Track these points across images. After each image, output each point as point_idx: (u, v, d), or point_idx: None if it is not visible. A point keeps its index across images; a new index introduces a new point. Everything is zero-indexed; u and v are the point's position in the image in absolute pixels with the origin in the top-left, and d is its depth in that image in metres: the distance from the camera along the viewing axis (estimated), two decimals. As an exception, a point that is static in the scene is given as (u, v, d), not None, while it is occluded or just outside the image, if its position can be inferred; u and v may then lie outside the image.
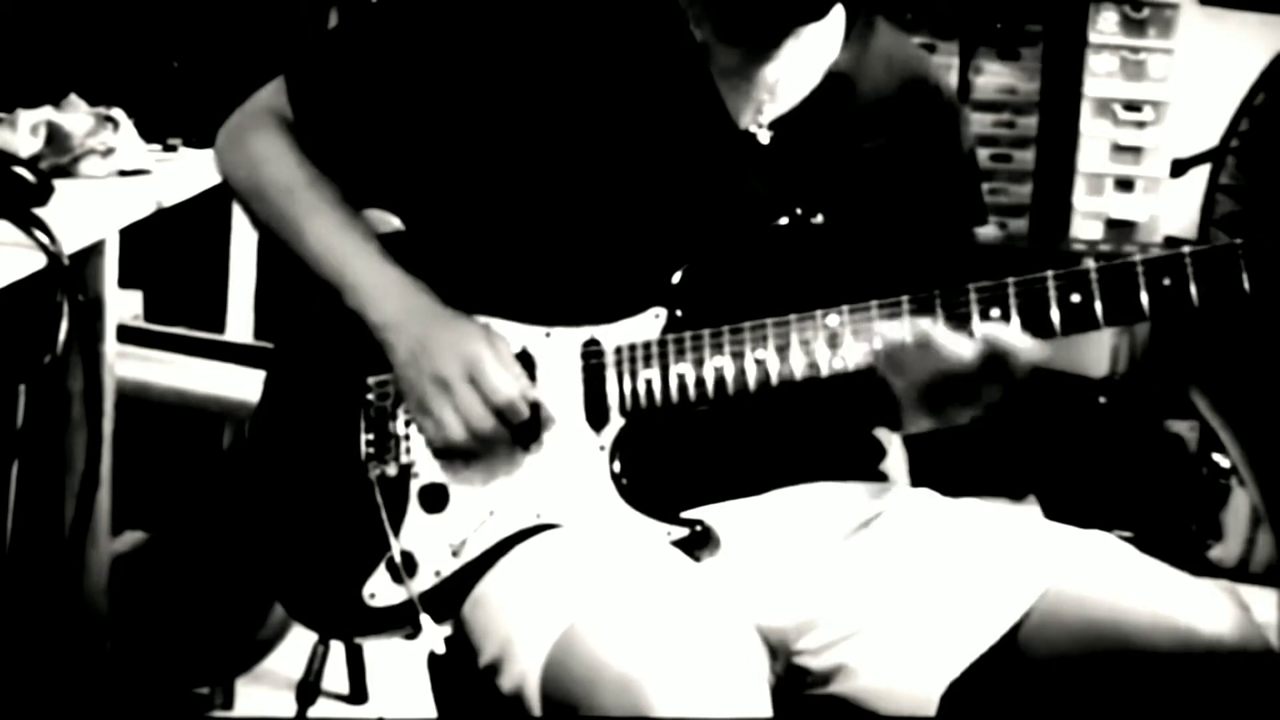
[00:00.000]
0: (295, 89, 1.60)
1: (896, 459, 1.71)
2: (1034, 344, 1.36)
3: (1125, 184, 3.99)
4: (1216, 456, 3.68)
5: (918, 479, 1.75)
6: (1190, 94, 3.95)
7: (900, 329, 1.37)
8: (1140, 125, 3.98)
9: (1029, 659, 1.39)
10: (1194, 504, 3.71)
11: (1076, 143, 3.99)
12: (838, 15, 1.58)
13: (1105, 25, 3.96)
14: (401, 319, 1.50)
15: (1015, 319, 1.37)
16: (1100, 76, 3.98)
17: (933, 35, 3.96)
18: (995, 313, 1.38)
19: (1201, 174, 3.82)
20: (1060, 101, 4.04)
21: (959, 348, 1.36)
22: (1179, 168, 3.88)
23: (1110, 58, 3.97)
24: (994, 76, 4.03)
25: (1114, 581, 1.40)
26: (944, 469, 1.91)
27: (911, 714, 1.41)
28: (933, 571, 1.46)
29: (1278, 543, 3.05)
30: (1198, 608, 1.36)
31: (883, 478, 1.64)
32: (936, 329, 1.36)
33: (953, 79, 3.82)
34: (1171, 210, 3.97)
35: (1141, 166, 3.98)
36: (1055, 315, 1.37)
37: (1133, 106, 3.97)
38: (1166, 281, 1.34)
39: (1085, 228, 4.00)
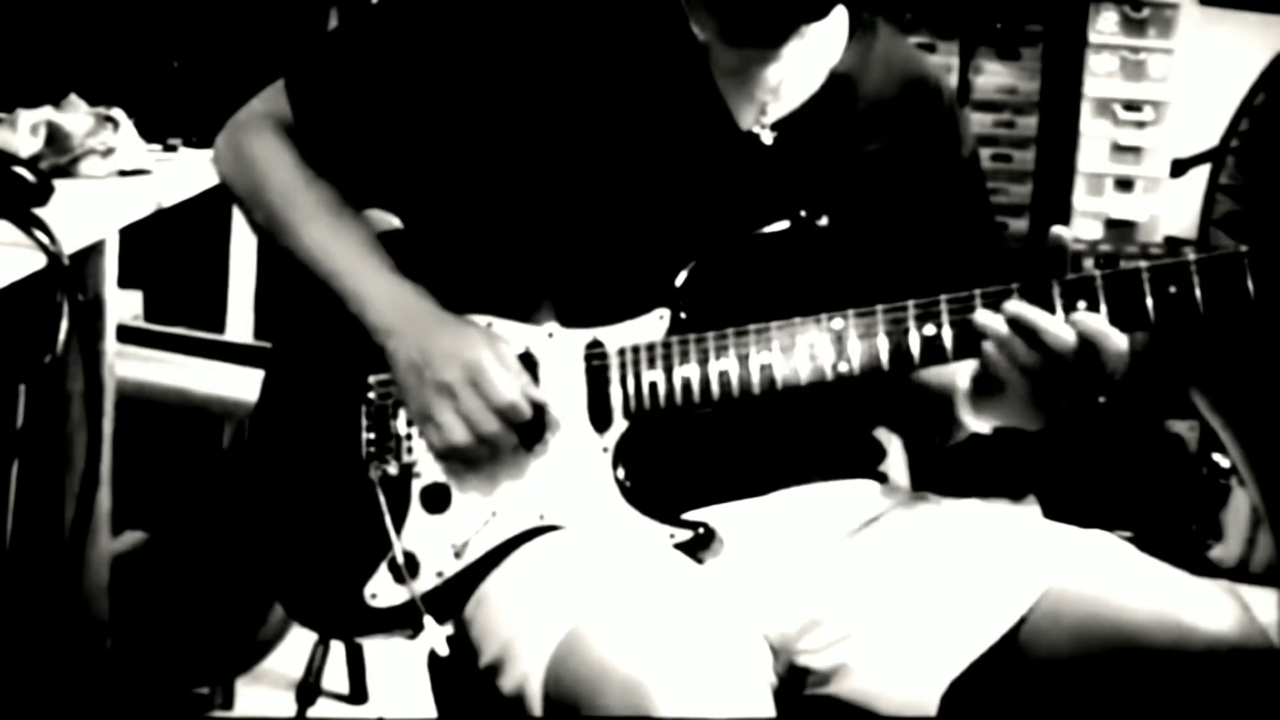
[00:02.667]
0: (295, 91, 1.60)
1: (896, 459, 1.71)
2: (1115, 330, 1.34)
3: (1125, 184, 3.99)
4: (1216, 456, 3.69)
5: (918, 479, 1.75)
6: (1190, 94, 3.95)
7: (996, 317, 1.35)
8: (1140, 125, 3.98)
9: (1029, 659, 1.39)
10: (1194, 504, 3.71)
11: (1076, 143, 4.00)
12: (840, 16, 1.58)
13: (1105, 25, 3.97)
14: (401, 326, 1.50)
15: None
16: (1100, 76, 3.99)
17: (933, 35, 3.96)
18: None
19: (1201, 174, 3.82)
20: (1060, 101, 4.05)
21: (1063, 332, 1.33)
22: (1179, 168, 3.88)
23: (1110, 58, 3.98)
24: (994, 76, 4.04)
25: (1114, 581, 1.39)
26: (944, 469, 1.91)
27: (912, 714, 1.41)
28: (933, 571, 1.46)
29: (1278, 543, 3.05)
30: (1198, 606, 1.36)
31: (883, 478, 1.64)
32: (1039, 314, 1.34)
33: (953, 79, 3.82)
34: (1171, 210, 3.98)
35: (1141, 166, 3.99)
36: (1060, 318, 1.36)
37: (1133, 106, 3.98)
38: (1172, 289, 1.34)
39: (1085, 228, 4.00)
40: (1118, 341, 1.33)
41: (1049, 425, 1.41)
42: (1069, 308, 1.35)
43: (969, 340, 1.39)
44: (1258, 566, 3.65)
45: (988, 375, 1.39)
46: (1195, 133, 3.86)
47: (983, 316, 1.36)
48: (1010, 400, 1.39)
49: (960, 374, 1.46)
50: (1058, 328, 1.33)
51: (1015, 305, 1.35)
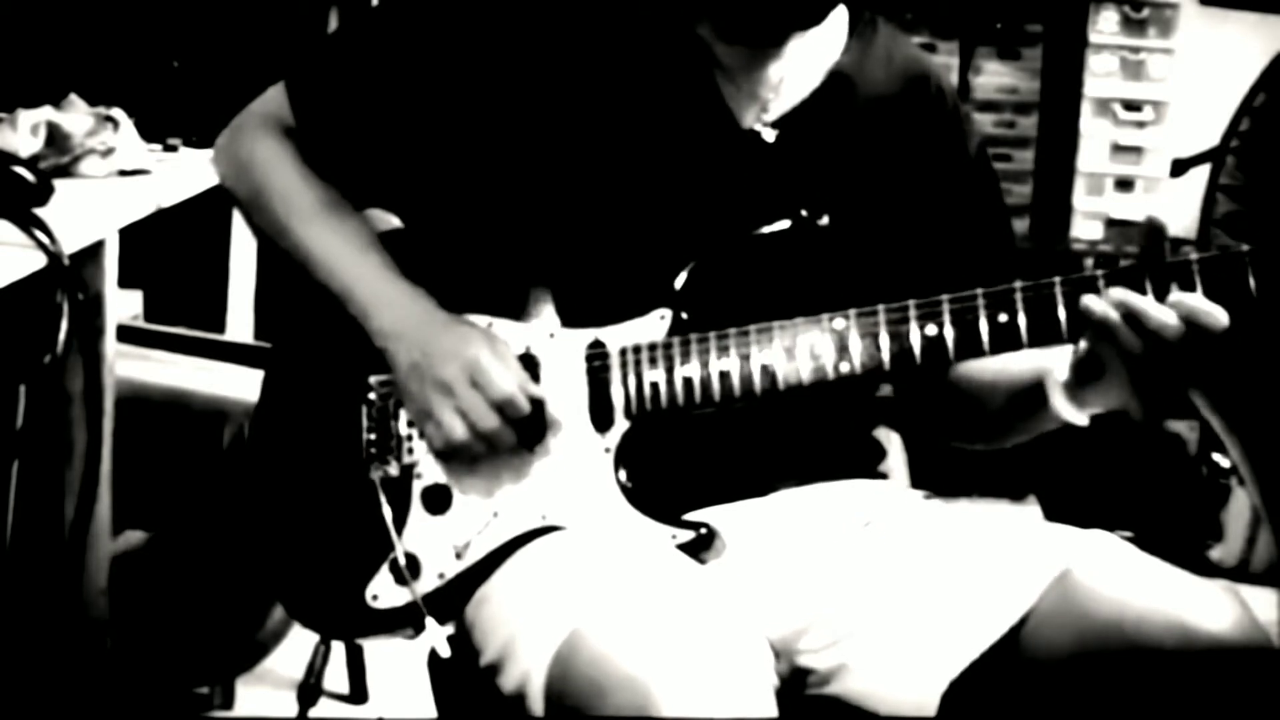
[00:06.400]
0: (297, 92, 1.60)
1: (897, 459, 1.71)
2: (1218, 308, 1.32)
3: (1125, 184, 3.99)
4: (1216, 456, 3.68)
5: (918, 479, 1.75)
6: (1190, 94, 3.95)
7: (1105, 304, 1.34)
8: (1140, 125, 3.98)
9: (1030, 658, 1.39)
10: (1194, 504, 3.71)
11: (1076, 143, 4.00)
12: (840, 14, 1.58)
13: (1105, 25, 3.97)
14: (402, 327, 1.50)
15: (1023, 323, 1.37)
16: (1100, 76, 3.99)
17: (933, 35, 3.96)
18: (1003, 317, 1.37)
19: (1201, 174, 3.82)
20: (1060, 101, 4.04)
21: (1166, 316, 1.32)
22: (1179, 168, 3.88)
23: (1110, 58, 3.98)
24: (994, 76, 4.04)
25: (1114, 580, 1.39)
26: (944, 469, 1.91)
27: (912, 714, 1.41)
28: (933, 572, 1.46)
29: (1278, 543, 3.05)
30: (1199, 606, 1.36)
31: (883, 479, 1.64)
32: (1142, 300, 1.33)
33: (953, 79, 3.82)
34: (1171, 210, 3.97)
35: (1141, 166, 3.99)
36: (1063, 320, 1.37)
37: (1133, 106, 3.98)
38: (1175, 289, 1.34)
39: (1085, 228, 4.00)
40: (1218, 318, 1.32)
41: (1152, 412, 1.38)
42: (1162, 292, 1.34)
43: (971, 340, 1.39)
44: (1258, 566, 3.65)
45: (1088, 363, 1.39)
46: (1195, 133, 3.86)
47: (1090, 301, 1.34)
48: (1113, 387, 1.38)
49: (1057, 366, 1.44)
50: (1159, 311, 1.32)
51: (1118, 291, 1.34)
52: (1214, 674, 1.32)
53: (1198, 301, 1.32)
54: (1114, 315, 1.33)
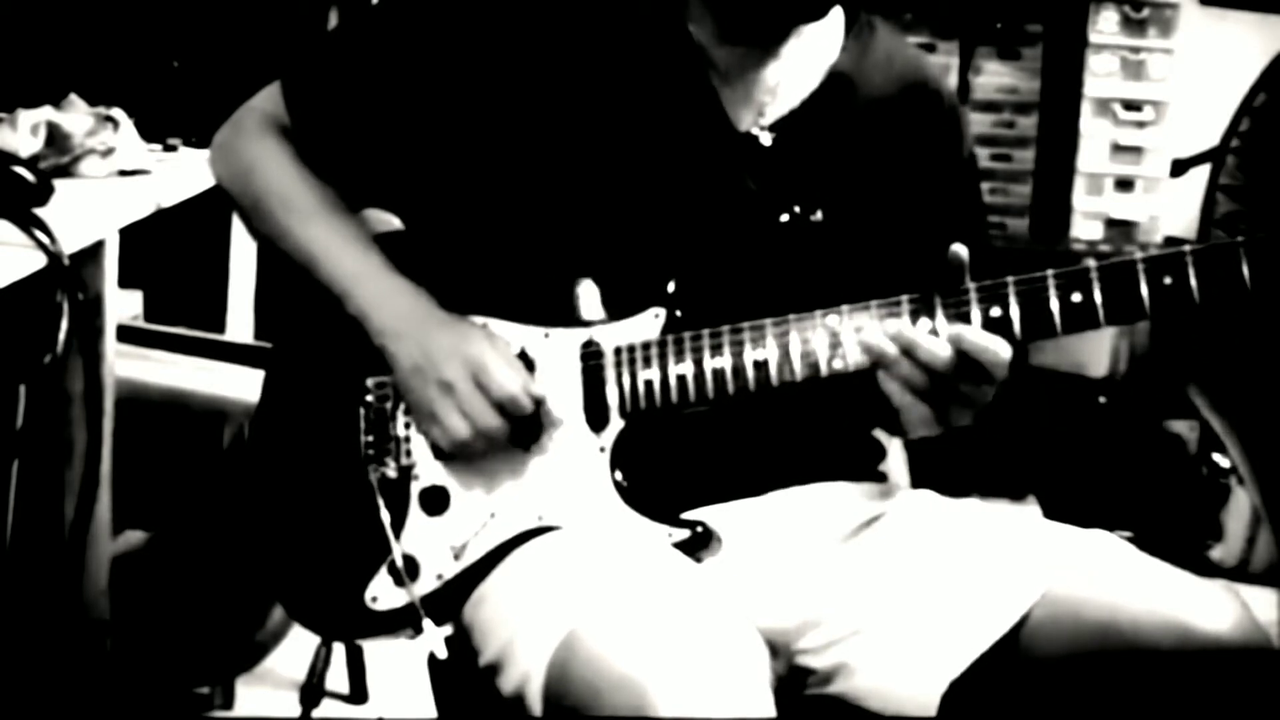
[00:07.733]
0: (292, 93, 1.60)
1: (896, 459, 1.71)
2: (998, 341, 1.35)
3: (1125, 184, 3.99)
4: (1216, 456, 3.68)
5: (918, 479, 1.75)
6: (1190, 94, 3.95)
7: (880, 336, 1.37)
8: (1140, 125, 3.98)
9: (1030, 659, 1.39)
10: (1194, 504, 3.71)
11: (1076, 143, 4.00)
12: (836, 15, 1.58)
13: (1105, 25, 3.97)
14: (402, 326, 1.50)
15: (1016, 316, 1.37)
16: (1100, 76, 3.98)
17: (933, 35, 3.96)
18: (995, 311, 1.37)
19: (1201, 174, 3.82)
20: (1060, 101, 4.04)
21: (937, 349, 1.35)
22: (1179, 168, 3.88)
23: (1110, 58, 3.98)
24: (994, 76, 4.04)
25: (1114, 581, 1.40)
26: (944, 469, 1.91)
27: (912, 714, 1.41)
28: (933, 572, 1.46)
29: (1278, 543, 3.05)
30: (1198, 606, 1.36)
31: (883, 478, 1.64)
32: (914, 331, 1.36)
33: (953, 79, 3.82)
34: (1171, 210, 3.98)
35: (1141, 166, 3.99)
36: (1056, 313, 1.37)
37: (1133, 106, 3.98)
38: (1168, 280, 1.34)
39: (1085, 228, 4.00)
40: (996, 349, 1.35)
41: (945, 430, 1.41)
42: (985, 314, 1.36)
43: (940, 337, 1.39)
44: (1258, 566, 3.65)
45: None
46: (1195, 133, 3.86)
47: (868, 338, 1.37)
48: (903, 415, 1.40)
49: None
50: (930, 343, 1.35)
51: (891, 324, 1.37)
52: (1213, 674, 1.33)
53: (974, 335, 1.34)
54: (888, 348, 1.36)
